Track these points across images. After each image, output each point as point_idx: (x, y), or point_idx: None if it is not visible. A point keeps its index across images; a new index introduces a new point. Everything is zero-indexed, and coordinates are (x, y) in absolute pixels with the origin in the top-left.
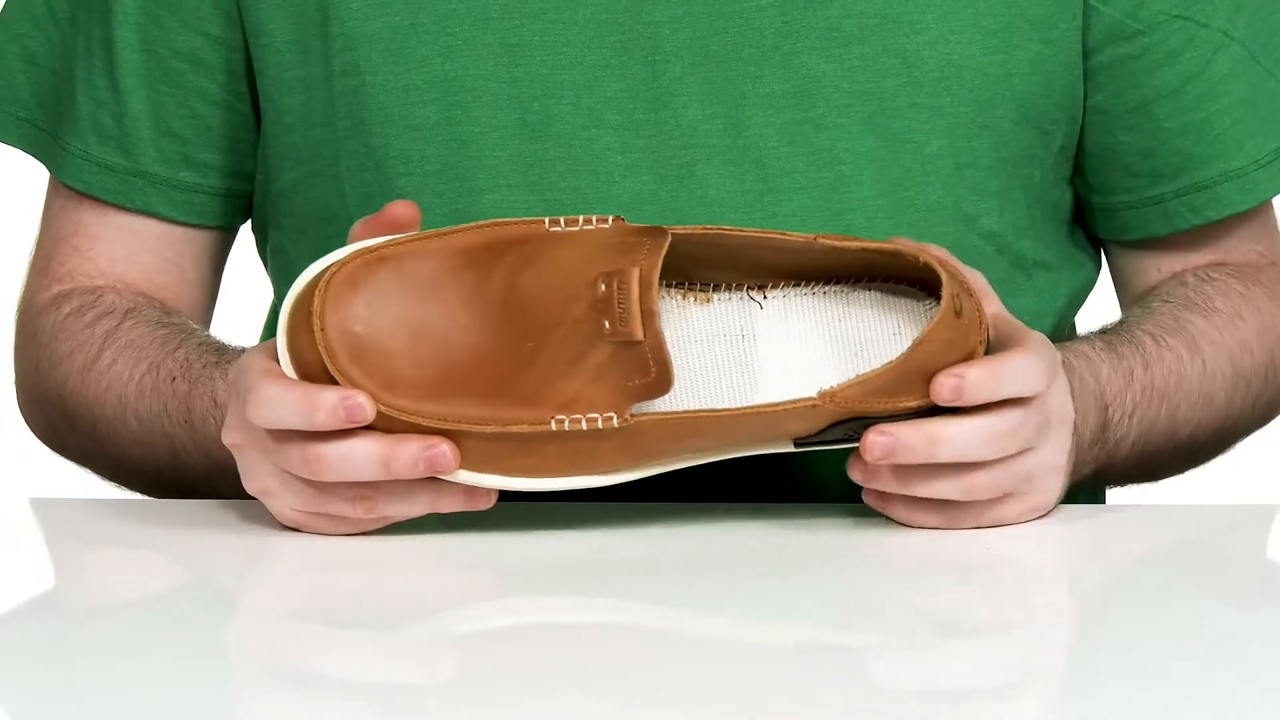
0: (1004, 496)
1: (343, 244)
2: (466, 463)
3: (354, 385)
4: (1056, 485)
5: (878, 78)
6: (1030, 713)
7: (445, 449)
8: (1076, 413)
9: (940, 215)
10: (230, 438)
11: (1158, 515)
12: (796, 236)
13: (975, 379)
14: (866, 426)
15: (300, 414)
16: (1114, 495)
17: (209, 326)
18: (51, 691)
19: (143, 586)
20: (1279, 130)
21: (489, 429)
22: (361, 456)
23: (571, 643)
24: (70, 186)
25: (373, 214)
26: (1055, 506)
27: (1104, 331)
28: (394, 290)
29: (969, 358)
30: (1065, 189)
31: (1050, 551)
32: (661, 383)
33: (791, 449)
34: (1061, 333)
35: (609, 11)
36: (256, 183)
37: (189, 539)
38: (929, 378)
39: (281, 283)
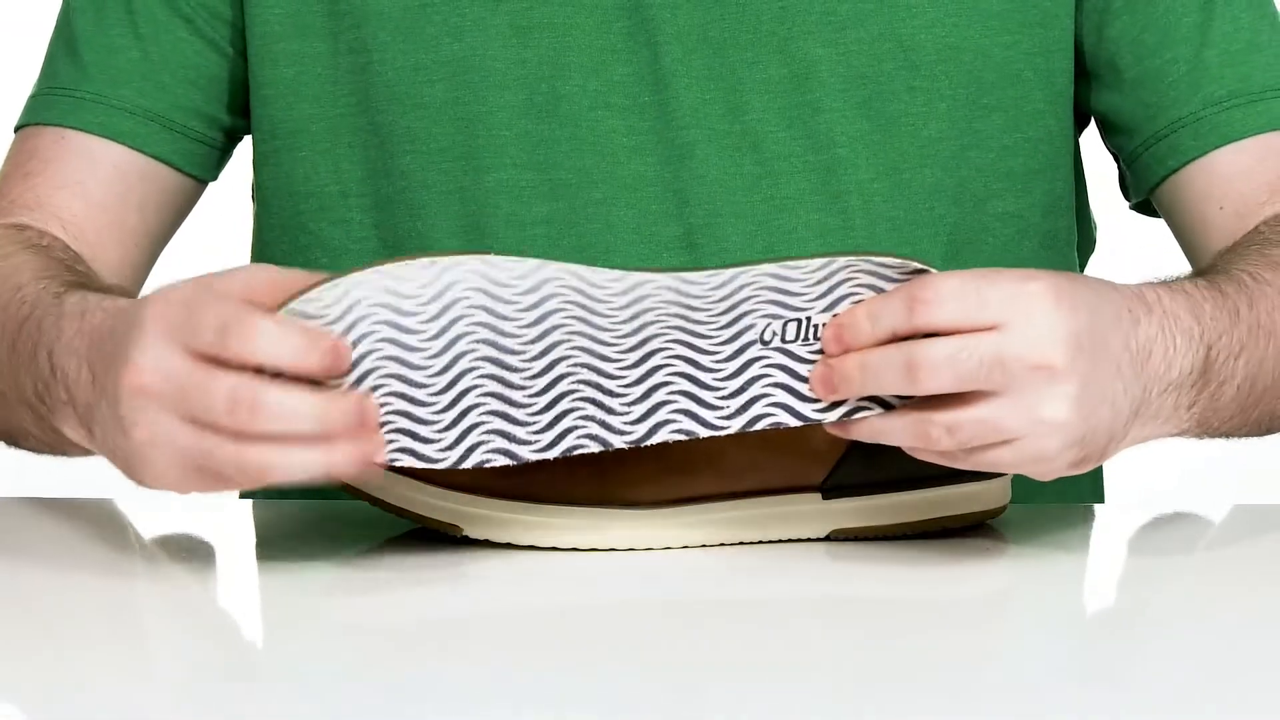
0: (998, 443)
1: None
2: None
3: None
4: (1054, 443)
5: (874, 62)
6: (1031, 713)
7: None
8: (1147, 358)
9: (940, 197)
10: (139, 378)
11: (1158, 515)
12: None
13: (840, 322)
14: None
15: (296, 350)
16: (1113, 495)
17: (142, 278)
18: None
19: (81, 585)
20: (1242, 74)
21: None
22: (298, 401)
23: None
24: (40, 123)
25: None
26: (1064, 467)
27: (1200, 273)
28: None
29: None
30: (1073, 166)
31: (1049, 552)
32: None
33: (820, 499)
34: None
35: None
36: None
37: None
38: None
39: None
